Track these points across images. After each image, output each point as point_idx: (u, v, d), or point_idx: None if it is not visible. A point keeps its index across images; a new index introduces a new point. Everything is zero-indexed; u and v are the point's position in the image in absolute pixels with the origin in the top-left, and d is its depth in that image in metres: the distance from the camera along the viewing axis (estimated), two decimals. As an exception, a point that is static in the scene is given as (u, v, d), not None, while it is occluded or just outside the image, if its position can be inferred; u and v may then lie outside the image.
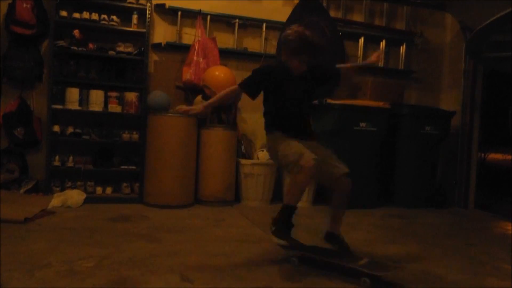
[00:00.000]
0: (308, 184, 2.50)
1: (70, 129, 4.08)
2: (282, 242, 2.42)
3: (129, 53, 4.21)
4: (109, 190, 4.17)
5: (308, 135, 2.66)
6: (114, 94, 4.18)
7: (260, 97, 2.66)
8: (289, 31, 2.58)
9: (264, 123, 2.67)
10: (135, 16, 4.26)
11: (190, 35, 4.51)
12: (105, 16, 4.13)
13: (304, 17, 4.75)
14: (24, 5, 3.89)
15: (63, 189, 4.04)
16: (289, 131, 2.56)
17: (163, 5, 4.44)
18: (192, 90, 4.44)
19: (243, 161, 4.40)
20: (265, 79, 2.57)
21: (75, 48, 4.04)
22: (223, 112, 4.47)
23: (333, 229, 2.66)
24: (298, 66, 2.59)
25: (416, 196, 4.73)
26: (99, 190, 4.14)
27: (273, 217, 2.50)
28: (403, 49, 5.34)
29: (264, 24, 4.78)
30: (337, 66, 2.95)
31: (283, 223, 2.45)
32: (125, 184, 4.22)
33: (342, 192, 2.59)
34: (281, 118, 2.60)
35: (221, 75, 4.26)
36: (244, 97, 4.51)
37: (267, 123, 2.66)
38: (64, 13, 4.01)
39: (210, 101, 2.72)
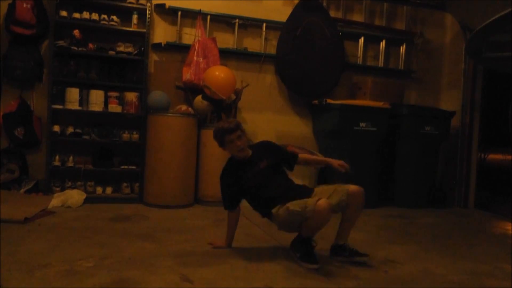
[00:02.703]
0: (328, 220, 2.44)
1: (70, 129, 4.09)
2: (313, 266, 2.47)
3: (129, 53, 4.21)
4: (109, 190, 4.17)
5: (303, 194, 2.59)
6: (114, 94, 4.18)
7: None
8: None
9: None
10: (135, 16, 4.26)
11: (190, 35, 4.51)
12: (105, 16, 4.13)
13: (304, 17, 4.76)
14: (24, 5, 3.89)
15: (63, 189, 4.04)
16: (281, 203, 2.56)
17: (163, 5, 4.44)
18: (192, 90, 4.44)
19: (243, 161, 4.39)
20: (234, 185, 2.72)
21: (75, 48, 4.04)
22: (223, 112, 4.46)
23: (343, 240, 2.64)
24: (234, 150, 2.68)
25: (416, 196, 4.73)
26: (99, 190, 4.14)
27: (293, 243, 2.62)
28: (403, 49, 5.34)
29: (264, 24, 4.78)
30: (300, 157, 2.89)
31: (307, 251, 2.53)
32: (125, 184, 4.22)
33: (358, 204, 2.56)
34: (267, 204, 2.64)
35: (221, 75, 4.26)
36: (244, 97, 4.55)
37: (260, 214, 2.78)
38: (64, 13, 4.01)
39: (228, 234, 2.83)
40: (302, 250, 2.53)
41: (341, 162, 2.75)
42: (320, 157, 2.87)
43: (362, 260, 2.57)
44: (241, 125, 2.71)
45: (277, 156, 2.79)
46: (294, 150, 3.02)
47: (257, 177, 2.66)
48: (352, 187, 2.55)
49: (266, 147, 2.84)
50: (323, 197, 2.43)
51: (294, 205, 2.42)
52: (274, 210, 2.55)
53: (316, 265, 2.46)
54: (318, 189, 2.67)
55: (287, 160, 2.84)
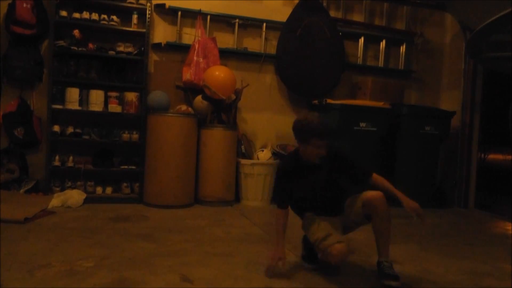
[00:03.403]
0: (343, 260, 2.39)
1: (70, 129, 4.08)
2: (312, 266, 2.50)
3: (129, 53, 4.21)
4: (109, 190, 4.17)
5: (338, 212, 2.51)
6: (114, 94, 4.18)
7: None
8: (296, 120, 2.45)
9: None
10: (135, 16, 4.26)
11: (190, 35, 4.51)
12: (105, 16, 4.13)
13: (304, 17, 4.76)
14: (24, 5, 3.88)
15: (63, 189, 4.04)
16: (318, 211, 2.49)
17: (163, 5, 4.44)
18: (192, 90, 4.44)
19: (243, 161, 4.40)
20: (291, 183, 2.44)
21: (75, 48, 4.04)
22: (223, 112, 4.47)
23: (380, 256, 2.40)
24: (313, 154, 2.38)
25: (416, 196, 4.68)
26: (99, 190, 4.14)
27: (305, 237, 2.59)
28: (403, 49, 5.34)
29: (264, 24, 4.78)
30: (374, 178, 2.49)
31: (312, 253, 2.52)
32: (125, 184, 4.22)
33: (378, 212, 2.34)
34: (307, 206, 2.52)
35: (221, 75, 4.26)
36: (244, 97, 4.55)
37: (295, 211, 2.59)
38: (64, 13, 4.01)
39: (279, 240, 2.42)
40: (308, 250, 2.55)
41: (415, 206, 2.39)
42: (393, 188, 2.46)
43: (389, 284, 2.27)
44: (331, 134, 2.41)
45: (346, 171, 2.49)
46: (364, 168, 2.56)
47: (313, 184, 2.47)
48: (369, 195, 2.35)
49: (340, 159, 2.49)
50: (338, 235, 2.34)
51: (315, 232, 2.36)
52: (307, 214, 2.50)
53: (314, 265, 2.48)
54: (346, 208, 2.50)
55: (355, 176, 2.51)
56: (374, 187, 2.43)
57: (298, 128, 2.40)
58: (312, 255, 2.54)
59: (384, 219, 2.36)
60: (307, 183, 2.45)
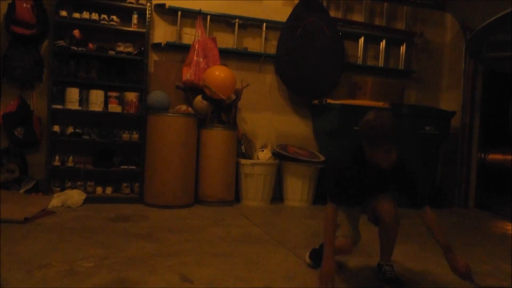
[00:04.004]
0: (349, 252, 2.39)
1: (70, 129, 4.08)
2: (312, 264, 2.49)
3: (129, 53, 4.21)
4: (109, 190, 4.17)
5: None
6: (114, 94, 4.18)
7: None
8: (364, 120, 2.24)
9: None
10: (135, 16, 4.26)
11: (190, 35, 4.51)
12: (105, 16, 4.13)
13: (304, 17, 4.76)
14: (24, 5, 3.88)
15: (63, 189, 4.04)
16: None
17: (163, 5, 4.44)
18: (192, 90, 4.44)
19: (243, 161, 4.40)
20: (351, 180, 2.23)
21: (75, 48, 4.04)
22: (223, 112, 4.47)
23: (381, 259, 2.40)
24: (382, 160, 2.16)
25: (416, 196, 4.72)
26: (99, 190, 4.14)
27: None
28: (403, 49, 5.34)
29: (264, 24, 4.78)
30: (426, 210, 2.27)
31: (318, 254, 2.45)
32: (125, 184, 4.22)
33: (383, 221, 2.27)
34: (350, 203, 2.35)
35: (221, 75, 4.26)
36: (244, 97, 4.55)
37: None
38: (64, 13, 4.01)
39: (331, 247, 2.14)
40: (315, 250, 2.54)
41: (466, 269, 2.11)
42: (441, 236, 2.18)
43: None
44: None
45: (403, 186, 2.29)
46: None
47: (369, 187, 2.29)
48: (382, 210, 2.25)
49: (403, 171, 2.29)
50: (347, 228, 2.32)
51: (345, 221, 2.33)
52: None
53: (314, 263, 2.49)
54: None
55: (410, 196, 2.29)
56: (423, 223, 2.27)
57: (367, 130, 2.15)
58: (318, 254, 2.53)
59: (390, 234, 2.32)
60: (364, 185, 2.25)
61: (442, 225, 2.21)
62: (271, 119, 4.88)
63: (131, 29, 4.25)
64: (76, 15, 4.06)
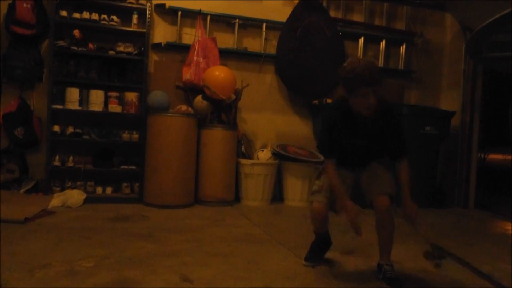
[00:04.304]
0: (319, 221, 2.43)
1: (70, 129, 4.09)
2: (305, 263, 2.52)
3: (129, 53, 4.21)
4: (109, 190, 4.17)
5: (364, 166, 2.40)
6: (114, 94, 4.19)
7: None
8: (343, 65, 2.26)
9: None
10: (135, 16, 4.26)
11: (190, 35, 4.51)
12: (105, 16, 4.13)
13: (304, 17, 4.76)
14: (24, 5, 3.89)
15: (63, 189, 4.04)
16: (347, 166, 2.42)
17: (163, 5, 4.44)
18: (192, 90, 4.44)
19: (243, 161, 4.41)
20: (335, 133, 2.30)
21: (75, 48, 4.04)
22: (223, 112, 4.47)
23: (381, 259, 2.41)
24: (361, 105, 2.18)
25: (416, 196, 4.70)
26: (99, 190, 4.15)
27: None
28: (403, 49, 5.34)
29: (264, 24, 4.78)
30: (402, 163, 2.37)
31: (312, 250, 2.55)
32: (125, 184, 4.22)
33: (378, 214, 2.32)
34: (343, 160, 2.39)
35: (221, 75, 4.27)
36: (244, 97, 4.55)
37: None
38: (64, 13, 4.01)
39: (340, 190, 2.26)
40: (311, 246, 2.57)
41: (412, 211, 2.32)
42: (406, 185, 2.35)
43: None
44: (380, 78, 2.15)
45: (388, 133, 2.31)
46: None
47: (357, 137, 2.30)
48: (377, 202, 2.31)
49: (390, 117, 2.30)
50: (326, 194, 2.35)
51: (315, 183, 2.38)
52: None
53: (308, 262, 2.51)
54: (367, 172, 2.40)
55: (391, 144, 2.34)
56: (395, 168, 2.36)
57: (342, 77, 2.18)
58: (316, 254, 2.55)
59: (386, 228, 2.37)
60: (351, 136, 2.29)
61: (408, 175, 2.38)
62: (271, 119, 4.88)
63: (131, 29, 4.25)
64: (76, 15, 4.07)
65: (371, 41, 5.23)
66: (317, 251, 2.57)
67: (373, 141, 2.35)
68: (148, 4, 4.25)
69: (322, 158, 4.57)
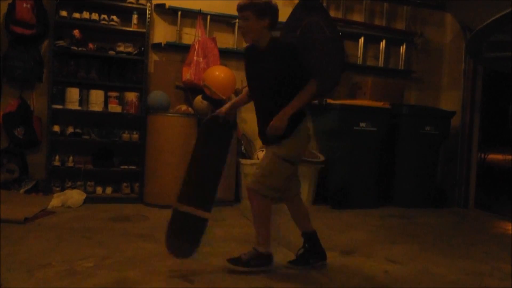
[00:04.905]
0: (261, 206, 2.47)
1: (70, 129, 4.08)
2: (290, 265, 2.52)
3: (129, 53, 4.21)
4: (109, 190, 4.17)
5: (269, 139, 2.39)
6: (114, 94, 4.18)
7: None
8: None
9: None
10: (135, 16, 4.26)
11: (190, 35, 4.51)
12: (105, 16, 4.13)
13: (304, 17, 4.76)
14: (24, 5, 3.88)
15: (63, 189, 4.04)
16: (260, 114, 2.49)
17: (163, 5, 4.44)
18: (192, 90, 4.44)
19: (243, 161, 4.40)
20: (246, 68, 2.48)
21: (75, 48, 4.04)
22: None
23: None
24: (244, 32, 2.40)
25: (416, 196, 4.73)
26: (99, 190, 4.15)
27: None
28: (403, 49, 5.34)
29: (264, 24, 4.76)
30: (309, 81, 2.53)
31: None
32: (125, 184, 4.22)
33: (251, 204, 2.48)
34: (255, 101, 2.54)
35: (221, 75, 4.26)
36: (244, 97, 4.54)
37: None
38: (64, 13, 4.01)
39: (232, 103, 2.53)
40: (302, 254, 2.55)
41: (277, 125, 2.34)
42: (294, 102, 2.43)
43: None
44: (255, 6, 2.30)
45: (286, 67, 2.38)
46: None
47: (257, 74, 2.43)
48: (247, 182, 2.47)
49: (285, 50, 2.43)
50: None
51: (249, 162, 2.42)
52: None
53: (291, 265, 2.51)
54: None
55: (292, 78, 2.43)
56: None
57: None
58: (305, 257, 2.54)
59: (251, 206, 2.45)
60: (253, 72, 2.48)
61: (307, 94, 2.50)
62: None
63: (131, 29, 4.25)
64: (76, 15, 4.06)
65: (371, 41, 5.23)
66: (303, 254, 2.53)
67: (265, 82, 2.40)
68: (148, 4, 4.25)
69: (322, 157, 4.58)
